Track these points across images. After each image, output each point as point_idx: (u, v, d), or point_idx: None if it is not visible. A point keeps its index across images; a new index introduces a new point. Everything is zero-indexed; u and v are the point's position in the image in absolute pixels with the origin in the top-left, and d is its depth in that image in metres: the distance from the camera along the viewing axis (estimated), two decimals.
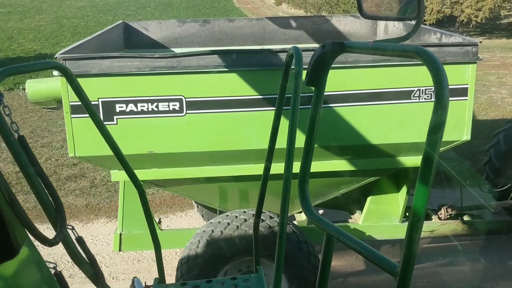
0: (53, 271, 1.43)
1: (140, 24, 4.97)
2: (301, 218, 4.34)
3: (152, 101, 3.08)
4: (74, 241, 1.66)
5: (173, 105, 3.10)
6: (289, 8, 34.39)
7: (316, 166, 3.46)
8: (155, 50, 5.00)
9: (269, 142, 2.23)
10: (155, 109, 3.10)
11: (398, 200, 4.09)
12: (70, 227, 1.65)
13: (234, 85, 3.12)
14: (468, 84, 3.22)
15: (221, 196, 3.99)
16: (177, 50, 5.08)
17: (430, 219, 4.40)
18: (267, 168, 2.32)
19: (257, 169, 3.47)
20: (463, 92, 3.23)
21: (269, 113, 3.17)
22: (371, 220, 4.12)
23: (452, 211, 4.41)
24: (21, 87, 3.56)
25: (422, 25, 4.38)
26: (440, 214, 4.44)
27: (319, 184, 3.77)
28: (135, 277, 2.59)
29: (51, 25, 25.72)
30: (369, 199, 4.13)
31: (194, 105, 3.12)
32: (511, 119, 5.14)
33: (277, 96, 2.14)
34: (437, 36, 3.77)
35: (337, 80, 3.18)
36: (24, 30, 23.24)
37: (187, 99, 3.11)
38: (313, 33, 5.11)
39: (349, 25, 5.14)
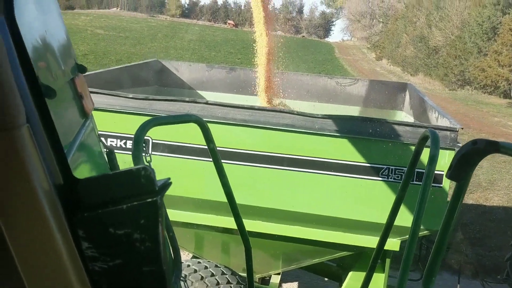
0: None
1: (172, 64, 5.25)
2: (275, 280, 4.19)
3: (120, 138, 3.24)
4: None
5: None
6: (388, 64, 33.92)
7: (281, 229, 3.38)
8: (183, 90, 5.24)
9: (387, 220, 2.13)
10: (123, 146, 3.24)
11: (381, 280, 3.80)
12: (183, 279, 1.74)
13: (196, 135, 3.18)
14: (443, 171, 2.97)
15: (196, 243, 4.00)
16: (203, 93, 5.28)
17: None
18: (379, 249, 2.18)
19: (223, 221, 3.48)
20: (437, 179, 2.98)
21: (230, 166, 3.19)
22: None
23: None
24: None
25: (428, 100, 4.15)
26: None
27: (290, 248, 3.65)
28: None
29: (159, 54, 27.80)
30: (350, 274, 3.89)
31: (159, 147, 3.22)
32: None
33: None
34: (435, 115, 3.55)
35: (306, 146, 3.12)
36: (134, 55, 25.41)
37: (153, 141, 3.22)
38: (336, 93, 5.04)
39: (374, 91, 4.99)
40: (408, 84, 5.05)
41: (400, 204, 2.09)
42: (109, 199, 0.72)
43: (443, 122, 3.33)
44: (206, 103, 3.17)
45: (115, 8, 57.86)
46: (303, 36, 57.00)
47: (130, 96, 3.20)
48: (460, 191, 1.37)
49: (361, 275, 3.86)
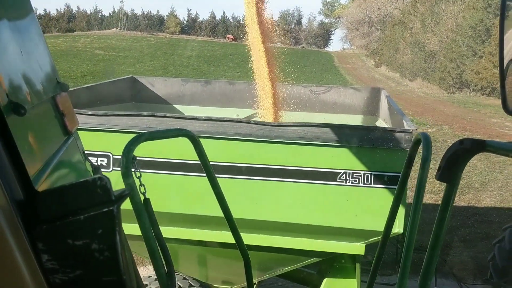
0: None
1: (147, 80, 5.30)
2: None
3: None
4: None
5: (101, 161, 3.25)
6: (387, 71, 33.99)
7: (246, 238, 3.38)
8: (159, 105, 5.28)
9: (384, 231, 2.08)
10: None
11: (353, 285, 3.78)
12: None
13: (164, 148, 3.20)
14: (399, 173, 2.97)
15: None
16: (179, 107, 5.32)
17: None
18: (379, 258, 2.18)
19: (198, 235, 3.49)
20: (393, 180, 2.98)
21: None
22: None
23: None
24: None
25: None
26: None
27: (259, 258, 3.64)
28: None
29: (158, 71, 27.97)
30: (324, 281, 3.86)
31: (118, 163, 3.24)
32: None
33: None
34: (402, 118, 3.56)
35: (265, 154, 3.14)
36: (132, 74, 25.53)
37: (114, 156, 3.24)
38: (311, 102, 5.06)
39: (349, 97, 5.01)
40: (382, 89, 5.07)
41: (396, 211, 2.04)
42: (67, 210, 0.72)
43: (405, 125, 3.34)
44: (164, 116, 3.20)
45: (115, 29, 58.54)
46: (303, 47, 57.23)
47: (89, 113, 3.24)
48: (450, 192, 1.34)
49: (336, 281, 3.86)
